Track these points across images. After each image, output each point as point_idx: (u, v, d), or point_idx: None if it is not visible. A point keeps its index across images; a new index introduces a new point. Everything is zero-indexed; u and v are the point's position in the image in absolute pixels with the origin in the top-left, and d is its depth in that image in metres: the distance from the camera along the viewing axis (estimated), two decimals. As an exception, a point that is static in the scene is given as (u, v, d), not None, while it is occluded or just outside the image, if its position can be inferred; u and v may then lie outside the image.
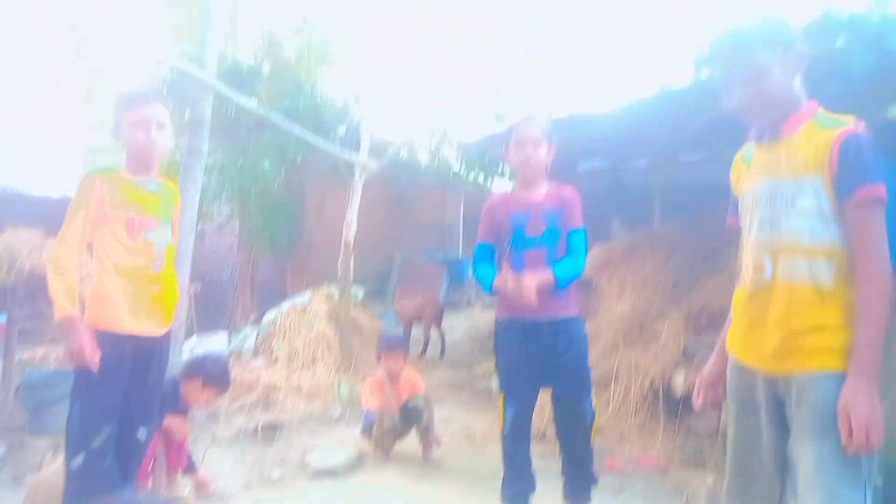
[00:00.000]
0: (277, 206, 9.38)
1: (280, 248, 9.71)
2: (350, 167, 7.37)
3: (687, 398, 4.04)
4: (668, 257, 5.00)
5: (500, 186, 14.93)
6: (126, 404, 2.39)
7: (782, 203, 1.74)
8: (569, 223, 2.80)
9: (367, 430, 4.17)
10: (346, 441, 4.57)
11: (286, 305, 6.95)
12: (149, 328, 2.41)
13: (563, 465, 3.02)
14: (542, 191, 2.85)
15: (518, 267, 2.74)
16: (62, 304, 2.22)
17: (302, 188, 11.20)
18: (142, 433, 2.45)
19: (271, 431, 4.67)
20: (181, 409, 3.36)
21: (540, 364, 2.82)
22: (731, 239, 4.66)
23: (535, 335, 2.80)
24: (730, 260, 4.52)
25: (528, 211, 2.81)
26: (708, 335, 4.14)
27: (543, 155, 2.82)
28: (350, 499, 3.44)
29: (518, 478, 2.98)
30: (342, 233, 6.88)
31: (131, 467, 2.46)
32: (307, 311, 6.79)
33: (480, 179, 10.54)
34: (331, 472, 3.80)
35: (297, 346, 6.42)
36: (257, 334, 6.65)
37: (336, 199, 10.78)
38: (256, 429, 4.66)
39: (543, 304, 2.73)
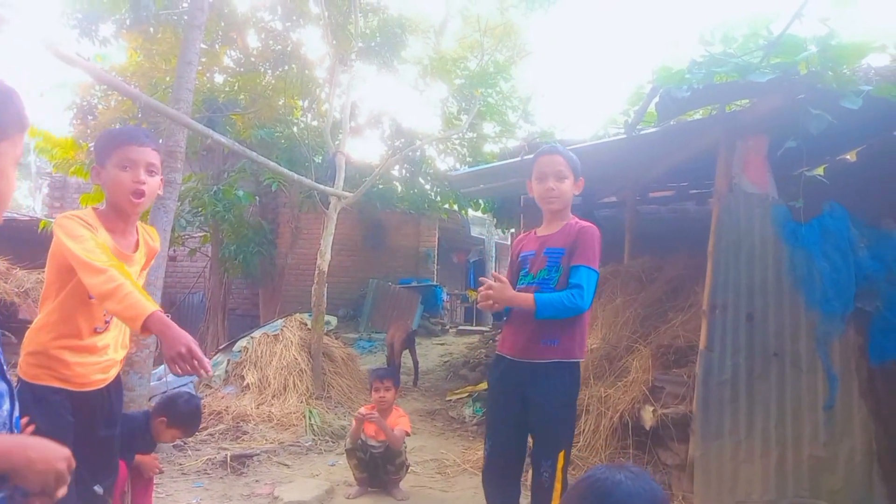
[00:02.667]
0: (251, 233, 9.36)
1: (253, 275, 9.66)
2: (325, 196, 7.41)
3: (655, 431, 4.13)
4: (638, 293, 5.12)
5: (474, 216, 15.16)
6: (79, 460, 2.21)
7: None
8: (573, 260, 2.64)
9: (351, 453, 4.13)
10: (317, 473, 4.53)
11: (258, 333, 6.90)
12: (87, 385, 2.19)
13: None
14: (558, 227, 2.75)
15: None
16: (142, 302, 1.87)
17: (276, 215, 11.21)
18: (98, 488, 2.27)
19: (240, 463, 4.60)
20: (150, 444, 3.30)
21: (515, 405, 2.76)
22: (697, 276, 4.83)
23: (512, 375, 2.76)
24: (697, 297, 4.66)
25: (534, 249, 2.79)
26: (675, 371, 4.24)
27: (567, 189, 2.73)
28: (320, 533, 3.40)
29: None
30: (316, 261, 6.89)
31: None
32: (279, 339, 6.74)
33: (456, 208, 10.69)
34: (301, 506, 3.76)
35: (269, 374, 6.37)
36: (228, 361, 6.57)
37: (310, 226, 10.83)
38: (226, 460, 4.59)
39: (525, 344, 2.71)
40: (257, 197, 9.42)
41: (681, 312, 4.62)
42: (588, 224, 2.73)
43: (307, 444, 5.28)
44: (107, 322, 2.21)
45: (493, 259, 16.41)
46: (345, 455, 4.40)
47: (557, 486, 2.74)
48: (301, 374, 6.44)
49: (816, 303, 3.68)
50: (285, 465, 4.75)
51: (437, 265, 12.78)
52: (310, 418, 5.77)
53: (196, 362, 1.83)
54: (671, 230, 6.04)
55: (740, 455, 3.61)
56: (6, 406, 1.16)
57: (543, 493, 2.75)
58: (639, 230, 6.14)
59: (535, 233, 2.93)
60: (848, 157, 5.83)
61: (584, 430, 4.49)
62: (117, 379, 2.34)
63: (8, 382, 1.18)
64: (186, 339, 1.85)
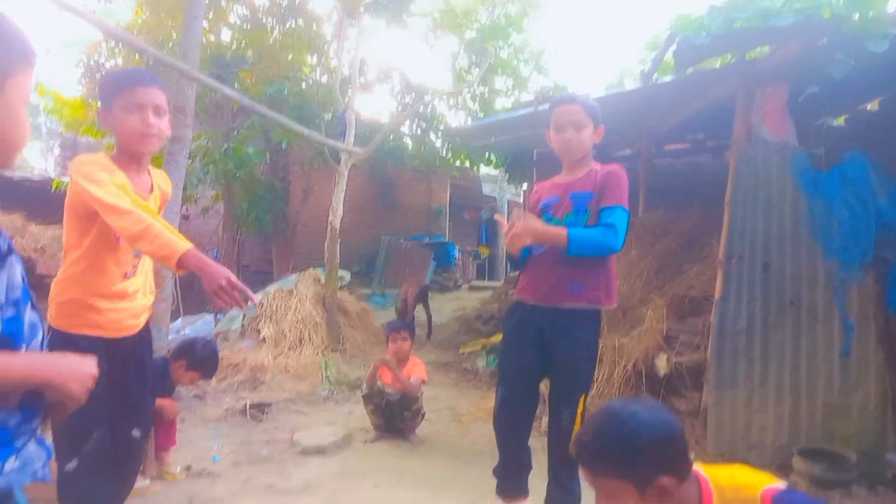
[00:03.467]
0: (263, 191, 9.36)
1: (265, 232, 9.70)
2: (336, 153, 7.37)
3: (669, 379, 4.17)
4: (653, 245, 5.10)
5: (486, 174, 15.06)
6: (115, 406, 2.24)
7: None
8: (602, 202, 2.57)
9: (368, 399, 4.22)
10: (334, 420, 4.63)
11: (273, 288, 6.97)
12: (120, 331, 2.20)
13: (548, 469, 2.85)
14: (582, 173, 2.69)
15: (539, 249, 2.68)
16: (175, 241, 1.87)
17: (287, 173, 11.18)
18: (136, 432, 2.34)
19: (259, 411, 4.71)
20: (169, 389, 3.40)
21: (532, 352, 2.76)
22: (713, 228, 4.80)
23: (533, 321, 2.74)
24: (712, 248, 4.64)
25: (557, 194, 2.74)
26: (690, 321, 4.25)
27: (587, 138, 2.66)
28: (339, 475, 3.49)
29: (508, 459, 2.94)
30: (328, 217, 6.90)
31: (132, 465, 2.39)
32: (294, 294, 6.81)
33: (467, 164, 10.62)
34: (319, 451, 3.85)
35: (284, 327, 6.45)
36: (244, 316, 6.66)
37: (322, 183, 10.80)
38: (245, 408, 4.70)
39: (550, 289, 2.67)
40: (268, 154, 9.38)
41: (696, 264, 4.61)
42: (614, 166, 2.66)
43: (324, 394, 5.39)
44: (135, 266, 2.20)
45: (505, 217, 16.34)
46: (361, 402, 4.49)
47: (576, 429, 2.77)
48: (316, 327, 6.52)
49: (834, 251, 3.65)
50: (303, 413, 4.85)
51: (448, 222, 12.77)
52: (326, 369, 5.87)
53: (238, 293, 1.83)
54: (686, 184, 5.98)
55: (754, 403, 3.64)
56: (40, 335, 1.18)
57: (562, 437, 2.77)
58: (653, 183, 6.08)
59: (553, 181, 2.88)
60: (869, 106, 5.71)
61: (597, 379, 4.52)
62: (146, 325, 2.35)
63: (39, 314, 1.20)
64: (225, 272, 1.85)
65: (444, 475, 3.58)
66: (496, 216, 2.74)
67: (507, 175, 9.48)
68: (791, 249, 3.68)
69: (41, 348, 1.18)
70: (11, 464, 1.07)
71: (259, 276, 10.64)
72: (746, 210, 3.75)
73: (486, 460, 3.11)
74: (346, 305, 7.22)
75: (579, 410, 2.76)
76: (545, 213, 2.79)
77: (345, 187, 6.82)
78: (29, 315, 1.15)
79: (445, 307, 10.09)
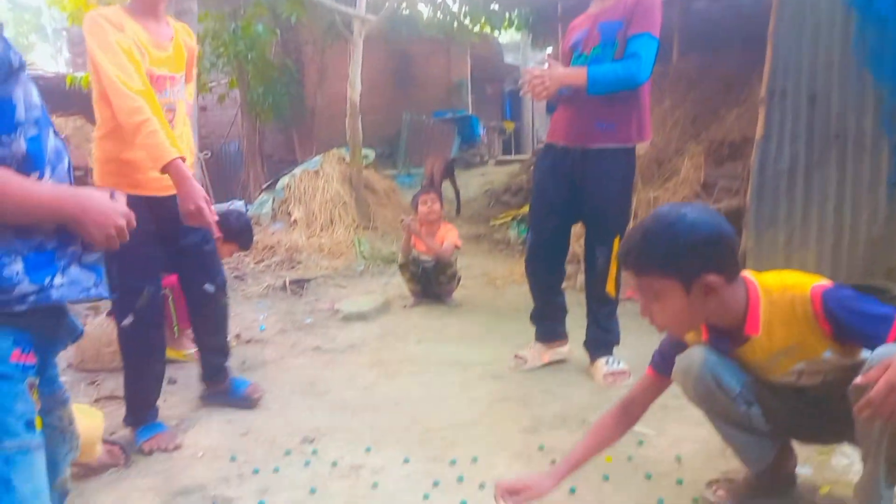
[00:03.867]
0: (276, 73, 9.08)
1: (284, 116, 9.52)
2: (348, 24, 7.01)
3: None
4: (688, 92, 4.84)
5: (508, 43, 14.29)
6: (176, 265, 2.39)
7: None
8: (630, 30, 2.44)
9: (404, 267, 4.28)
10: (372, 291, 4.74)
11: (298, 170, 6.93)
12: (162, 189, 2.17)
13: (587, 311, 2.92)
14: (612, 1, 2.55)
15: (567, 91, 2.57)
16: (167, 146, 1.91)
17: (300, 54, 10.78)
18: (209, 287, 2.42)
19: (299, 286, 4.84)
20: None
21: (563, 193, 2.73)
22: (752, 70, 4.50)
23: (564, 163, 2.70)
24: (752, 90, 4.38)
25: (586, 27, 2.61)
26: (729, 166, 4.11)
27: None
28: (382, 335, 3.61)
29: (543, 303, 2.98)
30: (346, 94, 6.68)
31: (213, 318, 2.50)
32: (320, 175, 6.78)
33: (487, 31, 10.05)
34: (361, 317, 3.97)
35: (314, 208, 6.49)
36: (273, 199, 6.69)
37: (336, 60, 10.41)
38: (285, 284, 4.82)
39: (579, 129, 2.61)
40: (278, 32, 8.99)
41: (735, 108, 4.38)
42: None
43: (359, 269, 5.49)
44: (170, 122, 2.16)
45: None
46: (397, 275, 4.56)
47: (612, 269, 2.77)
48: (345, 206, 6.54)
49: (885, 77, 3.40)
50: (341, 286, 4.97)
51: (471, 96, 12.34)
52: (359, 246, 5.94)
53: (204, 220, 1.98)
54: (724, 25, 5.55)
55: (794, 242, 3.58)
56: (66, 161, 1.16)
57: (599, 277, 2.79)
58: (689, 27, 5.65)
59: (586, 13, 2.71)
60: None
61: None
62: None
63: (62, 140, 1.17)
64: (199, 196, 1.95)
65: (483, 330, 3.67)
66: (520, 81, 2.59)
67: (531, 37, 8.97)
68: (839, 79, 3.43)
69: (68, 173, 1.16)
70: (60, 279, 1.09)
71: (282, 166, 10.59)
72: (791, 41, 3.48)
73: (524, 316, 3.16)
74: (373, 183, 7.18)
75: (614, 250, 2.74)
76: (576, 49, 2.66)
77: (360, 60, 6.53)
78: (53, 140, 1.12)
79: (472, 182, 9.99)
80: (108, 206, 1.12)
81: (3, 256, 1.03)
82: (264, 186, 7.24)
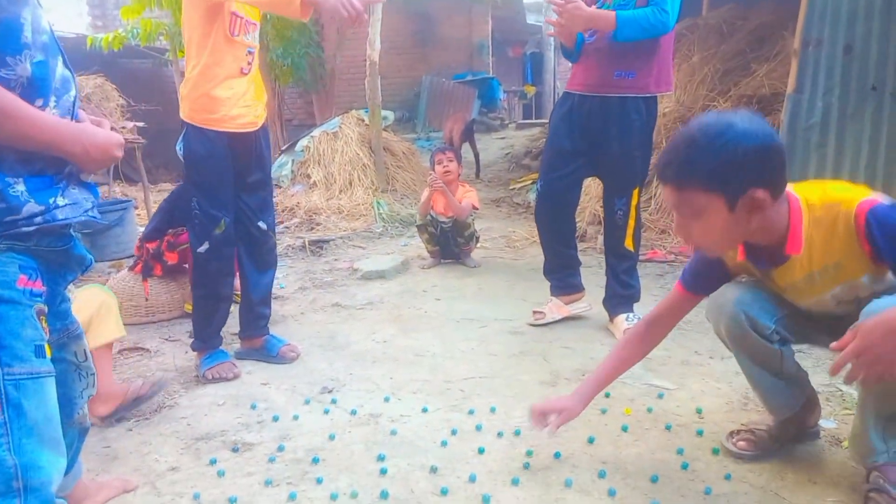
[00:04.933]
0: (295, 34, 8.95)
1: (303, 79, 9.42)
2: (368, -20, 6.86)
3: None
4: (718, 46, 4.67)
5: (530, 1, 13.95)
6: (240, 199, 2.51)
7: None
8: None
9: (422, 228, 4.26)
10: (390, 251, 4.73)
11: (317, 132, 6.89)
12: (243, 126, 2.38)
13: (606, 268, 2.88)
14: None
15: (590, 38, 2.55)
16: None
17: (319, 15, 10.62)
18: (262, 224, 2.55)
19: (318, 247, 4.84)
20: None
21: (576, 142, 2.66)
22: (786, 22, 4.33)
23: (581, 111, 2.64)
24: (785, 43, 4.22)
25: None
26: (757, 122, 3.98)
27: None
28: (400, 293, 3.60)
29: (554, 255, 2.93)
30: (366, 54, 6.58)
31: (262, 255, 2.61)
32: (339, 136, 6.73)
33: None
34: (380, 275, 3.96)
35: (333, 170, 6.46)
36: (292, 161, 6.68)
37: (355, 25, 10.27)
38: (304, 245, 4.83)
39: (598, 77, 2.54)
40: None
41: (766, 62, 4.23)
42: None
43: (378, 231, 5.47)
44: (249, 63, 2.38)
45: (553, 49, 15.35)
46: (415, 236, 4.53)
47: (631, 222, 2.73)
48: (364, 168, 6.49)
49: (930, 26, 3.24)
50: (360, 247, 4.96)
51: (492, 58, 12.11)
52: (378, 208, 5.92)
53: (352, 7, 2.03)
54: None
55: (824, 200, 3.47)
56: (73, 92, 1.14)
57: (617, 231, 2.74)
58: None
59: None
60: None
61: (655, 194, 4.41)
62: (265, 127, 2.53)
63: (72, 71, 1.15)
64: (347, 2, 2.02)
65: (501, 288, 3.65)
66: (546, 19, 2.54)
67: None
68: (879, 28, 3.28)
69: (73, 105, 1.14)
70: (62, 200, 1.10)
71: (302, 130, 10.56)
72: (829, -14, 3.32)
73: (542, 276, 3.11)
74: (392, 146, 7.11)
75: (633, 203, 2.69)
76: (598, 1, 2.58)
77: (381, 17, 6.41)
78: (61, 69, 1.10)
79: (492, 146, 9.88)
80: (105, 141, 1.14)
81: (7, 178, 1.02)
82: (284, 148, 7.22)
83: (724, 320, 1.62)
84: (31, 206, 1.03)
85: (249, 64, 2.38)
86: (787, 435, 1.76)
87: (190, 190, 2.43)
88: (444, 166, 4.15)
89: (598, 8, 2.55)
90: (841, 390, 2.14)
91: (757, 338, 1.59)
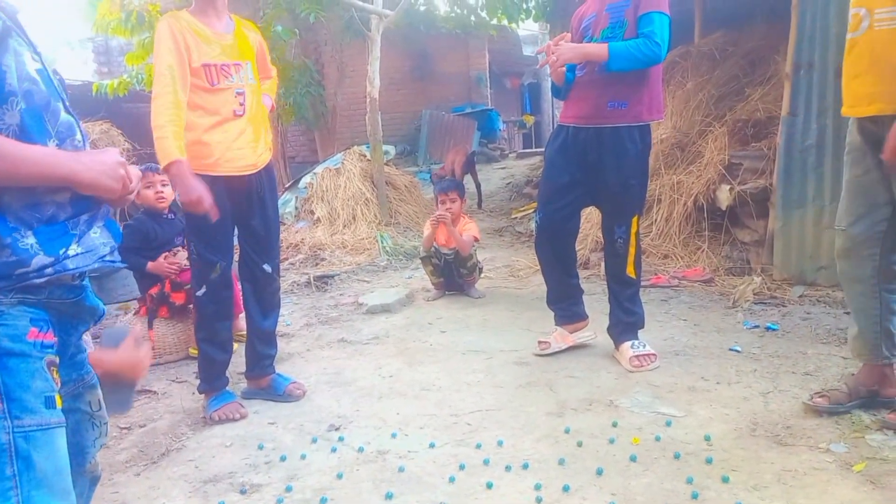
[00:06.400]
0: (297, 74, 9.12)
1: (305, 117, 9.57)
2: (365, 21, 7.03)
3: (732, 210, 4.02)
4: (711, 72, 4.74)
5: (526, 35, 14.21)
6: (243, 243, 2.55)
7: None
8: (641, 8, 2.45)
9: (426, 260, 4.28)
10: (395, 285, 4.74)
11: (320, 168, 6.97)
12: (240, 169, 2.38)
13: (609, 295, 2.89)
14: None
15: (580, 71, 2.61)
16: (169, 150, 2.16)
17: (319, 55, 10.84)
18: (267, 267, 2.57)
19: (323, 282, 4.86)
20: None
21: (573, 173, 2.70)
22: (777, 46, 4.39)
23: (576, 143, 2.68)
24: (777, 67, 4.28)
25: (594, 10, 2.61)
26: (754, 145, 4.02)
27: None
28: (406, 326, 3.61)
29: (556, 284, 2.95)
30: (366, 91, 6.70)
31: (266, 297, 2.62)
32: (342, 172, 6.81)
33: (505, 23, 9.99)
34: (385, 309, 3.97)
35: (336, 205, 6.52)
36: (296, 198, 6.74)
37: (355, 63, 10.46)
38: (309, 281, 4.85)
39: (592, 109, 2.59)
40: (297, 31, 9.05)
41: (759, 86, 4.28)
42: None
43: (382, 264, 5.49)
44: (242, 105, 2.38)
45: (549, 80, 15.55)
46: (419, 269, 4.55)
47: (631, 250, 2.74)
48: (367, 203, 6.55)
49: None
50: (365, 281, 4.98)
51: (490, 90, 12.28)
52: (382, 242, 5.95)
53: (202, 207, 2.16)
54: (746, 2, 5.41)
55: (823, 221, 3.48)
56: (79, 136, 1.15)
57: (618, 259, 2.76)
58: (710, 7, 5.53)
59: None
60: None
61: (655, 220, 4.43)
62: (269, 168, 2.54)
63: (75, 117, 1.16)
64: (197, 192, 2.15)
65: (506, 319, 3.65)
66: (538, 49, 2.61)
67: (549, 28, 8.89)
68: (868, 51, 3.33)
69: (82, 147, 1.15)
70: (75, 249, 1.09)
71: (305, 167, 10.69)
72: (817, 10, 3.39)
73: (546, 305, 3.12)
74: (394, 179, 7.19)
75: (633, 231, 2.72)
76: (586, 34, 2.67)
77: (379, 55, 6.54)
78: (63, 115, 1.11)
79: (494, 176, 9.95)
80: (105, 157, 1.11)
81: (14, 231, 1.02)
82: (287, 186, 7.30)
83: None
84: (41, 259, 1.04)
85: (242, 105, 2.37)
86: (860, 398, 2.10)
87: (189, 234, 2.47)
88: (448, 207, 4.20)
89: (587, 41, 2.63)
90: (850, 413, 2.13)
91: None
